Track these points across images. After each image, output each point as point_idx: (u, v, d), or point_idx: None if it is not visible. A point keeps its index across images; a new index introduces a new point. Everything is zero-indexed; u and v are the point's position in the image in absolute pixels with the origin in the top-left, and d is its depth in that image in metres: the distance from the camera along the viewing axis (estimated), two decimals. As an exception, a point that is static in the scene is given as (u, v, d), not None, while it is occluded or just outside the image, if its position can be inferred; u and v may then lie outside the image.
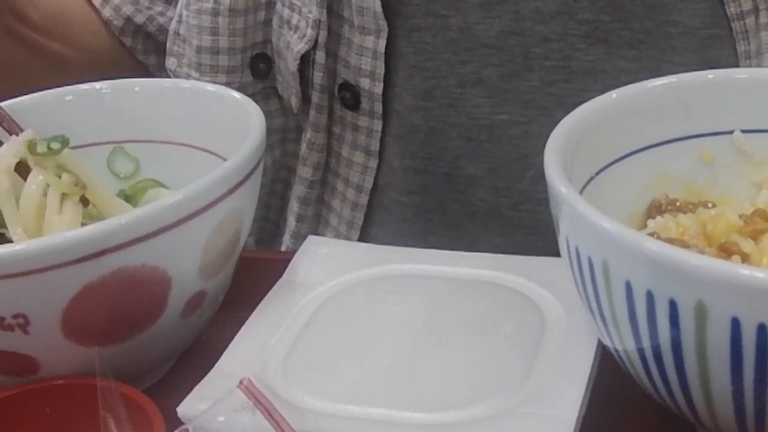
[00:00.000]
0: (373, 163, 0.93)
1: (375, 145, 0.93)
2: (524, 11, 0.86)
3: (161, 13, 1.02)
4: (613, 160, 0.66)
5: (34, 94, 0.80)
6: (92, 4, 1.02)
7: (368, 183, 0.94)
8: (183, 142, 0.78)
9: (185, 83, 0.81)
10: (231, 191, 0.66)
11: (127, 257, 0.61)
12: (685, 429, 0.60)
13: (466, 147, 0.90)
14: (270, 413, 0.59)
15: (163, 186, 0.79)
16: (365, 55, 0.90)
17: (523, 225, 0.90)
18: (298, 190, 0.97)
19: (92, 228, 0.61)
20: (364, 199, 0.94)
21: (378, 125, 0.92)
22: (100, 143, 0.78)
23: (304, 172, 0.96)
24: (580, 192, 0.62)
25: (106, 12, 1.02)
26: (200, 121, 0.77)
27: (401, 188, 0.93)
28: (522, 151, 0.89)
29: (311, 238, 0.81)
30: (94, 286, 0.61)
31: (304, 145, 0.95)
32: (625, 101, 0.67)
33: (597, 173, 0.65)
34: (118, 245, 0.61)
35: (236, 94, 0.76)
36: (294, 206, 0.98)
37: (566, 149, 0.62)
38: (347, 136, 0.94)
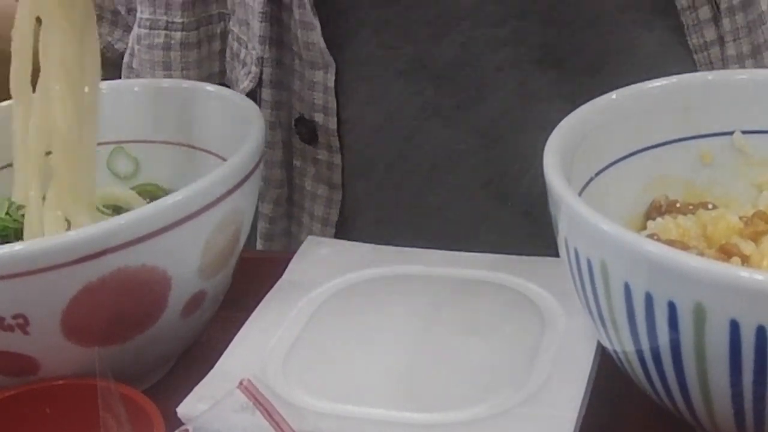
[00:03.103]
0: (337, 195, 0.92)
1: (337, 178, 0.91)
2: (474, 40, 0.84)
3: (119, 40, 1.01)
4: (613, 161, 0.66)
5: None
6: None
7: (333, 216, 0.92)
8: (183, 142, 0.78)
9: (185, 83, 0.81)
10: (231, 191, 0.66)
11: (127, 257, 0.61)
12: (685, 429, 0.60)
13: (429, 177, 0.89)
14: (270, 413, 0.59)
15: (161, 188, 0.79)
16: (317, 90, 0.89)
17: (489, 249, 0.89)
18: (260, 226, 0.95)
19: (92, 228, 0.61)
20: (330, 232, 0.92)
21: (337, 158, 0.91)
22: (100, 143, 0.78)
23: (264, 207, 0.94)
24: (580, 193, 0.62)
25: None
26: (200, 121, 0.77)
27: (367, 219, 0.92)
28: (484, 178, 0.87)
29: (311, 238, 0.81)
30: (94, 286, 0.61)
31: (261, 182, 0.94)
32: (624, 102, 0.67)
33: (597, 174, 0.65)
34: (118, 245, 0.61)
35: (236, 95, 0.76)
36: (258, 243, 0.96)
37: (566, 150, 0.62)
38: (309, 170, 0.93)
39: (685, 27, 0.84)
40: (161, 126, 0.79)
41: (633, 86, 0.68)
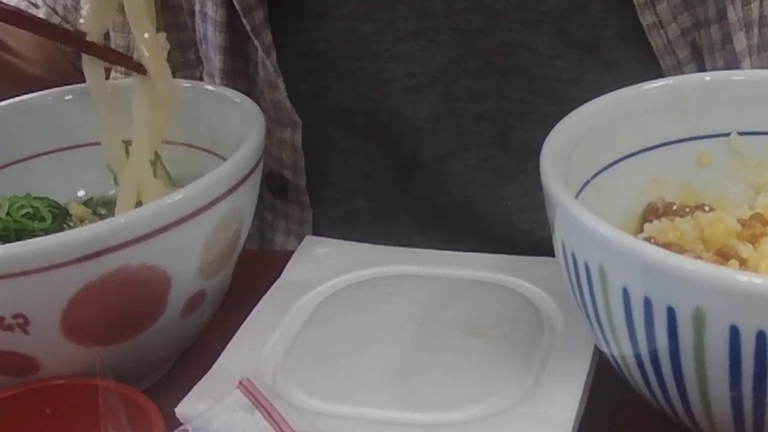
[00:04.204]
0: None
1: (309, 233, 0.90)
2: (455, 92, 0.83)
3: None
4: (610, 163, 0.66)
5: (34, 94, 0.80)
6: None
7: None
8: (183, 142, 0.78)
9: (185, 83, 0.81)
10: (230, 191, 0.66)
11: (127, 257, 0.61)
12: (684, 426, 0.60)
13: (416, 225, 0.88)
14: (269, 413, 0.59)
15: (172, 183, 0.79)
16: (285, 148, 0.88)
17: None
18: None
19: (92, 228, 0.61)
20: None
21: (309, 214, 0.91)
22: (99, 143, 0.78)
23: None
24: (577, 195, 0.62)
25: (54, 20, 0.97)
26: (200, 121, 0.77)
27: None
28: (471, 225, 0.87)
29: (309, 238, 0.81)
30: (94, 286, 0.61)
31: None
32: (621, 103, 0.67)
33: (593, 176, 0.65)
34: (118, 245, 0.61)
35: (237, 94, 0.76)
36: None
37: (563, 152, 0.62)
38: (280, 224, 0.93)
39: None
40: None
41: (630, 88, 0.68)
